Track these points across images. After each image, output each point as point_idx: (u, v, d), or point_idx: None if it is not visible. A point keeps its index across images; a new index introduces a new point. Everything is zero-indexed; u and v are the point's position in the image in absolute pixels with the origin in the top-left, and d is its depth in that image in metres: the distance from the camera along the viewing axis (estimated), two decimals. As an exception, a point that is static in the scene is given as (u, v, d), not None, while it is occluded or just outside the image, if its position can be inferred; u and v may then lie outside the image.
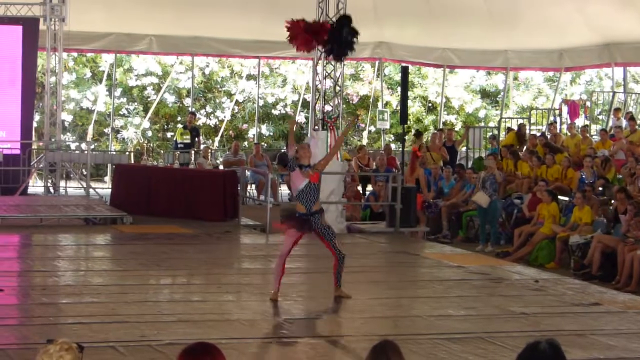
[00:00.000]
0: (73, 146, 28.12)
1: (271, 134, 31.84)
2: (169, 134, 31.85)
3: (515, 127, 25.97)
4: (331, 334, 10.61)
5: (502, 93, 31.97)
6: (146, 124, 31.50)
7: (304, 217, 11.55)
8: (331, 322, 11.42)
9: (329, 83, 19.54)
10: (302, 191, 11.56)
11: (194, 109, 29.59)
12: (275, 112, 32.21)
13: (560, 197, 18.95)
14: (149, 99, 31.74)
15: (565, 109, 27.36)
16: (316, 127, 19.48)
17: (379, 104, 30.76)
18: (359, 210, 21.43)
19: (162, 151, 30.76)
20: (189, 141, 25.11)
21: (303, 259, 15.58)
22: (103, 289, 12.52)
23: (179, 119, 31.55)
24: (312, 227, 11.58)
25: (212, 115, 32.13)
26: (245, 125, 32.19)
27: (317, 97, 20.21)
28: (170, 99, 31.83)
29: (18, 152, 24.02)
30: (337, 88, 19.52)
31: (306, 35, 11.28)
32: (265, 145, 30.52)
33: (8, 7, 23.98)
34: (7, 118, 24.18)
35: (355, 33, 12.80)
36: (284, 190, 25.47)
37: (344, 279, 12.09)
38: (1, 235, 17.36)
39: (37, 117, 26.83)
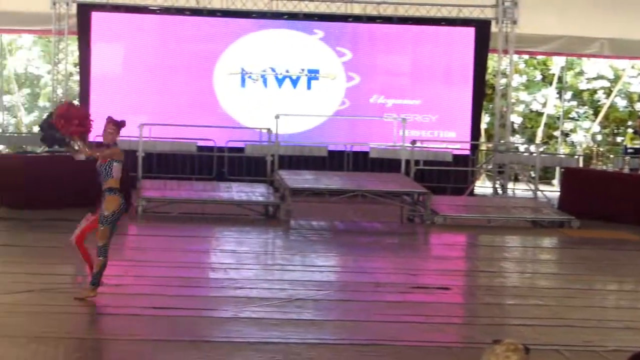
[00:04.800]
0: (522, 148, 28.16)
1: None
2: (618, 139, 31.05)
3: None
4: None
5: None
6: (596, 127, 30.91)
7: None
8: None
9: None
10: (97, 167, 10.32)
11: (645, 113, 28.62)
12: None
13: None
14: (599, 103, 31.12)
15: None
16: None
17: None
18: None
19: (611, 155, 30.03)
20: (639, 146, 24.30)
21: None
22: (548, 292, 12.34)
23: (629, 123, 30.66)
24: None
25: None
26: None
27: None
28: (621, 103, 31.00)
29: (467, 152, 24.46)
30: None
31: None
32: None
33: (461, 10, 24.46)
34: (457, 119, 24.69)
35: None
36: None
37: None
38: (449, 235, 17.71)
39: (486, 119, 27.16)
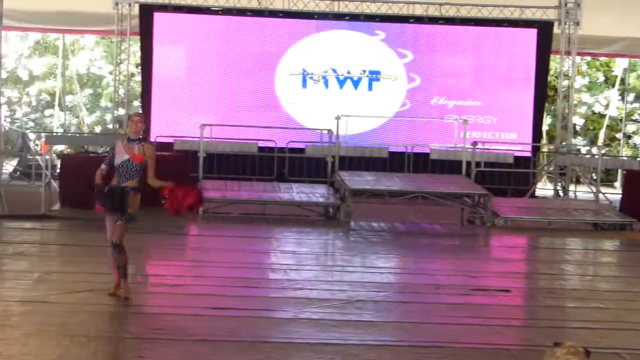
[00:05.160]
0: (583, 150, 27.92)
1: None
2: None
3: None
4: None
5: None
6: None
7: (110, 191, 10.30)
8: None
9: None
10: (119, 165, 10.28)
11: None
12: None
13: None
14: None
15: None
16: None
17: None
18: None
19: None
20: None
21: None
22: (609, 294, 12.21)
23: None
24: (114, 203, 10.24)
25: None
26: None
27: None
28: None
29: (529, 154, 24.31)
30: None
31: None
32: None
33: (523, 11, 24.32)
34: (519, 120, 24.55)
35: None
36: None
37: None
38: (509, 237, 17.62)
39: (548, 120, 26.97)
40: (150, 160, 10.28)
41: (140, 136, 10.42)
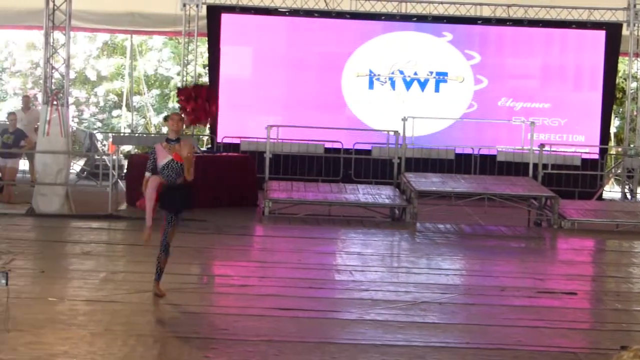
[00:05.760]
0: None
1: None
2: None
3: None
4: None
5: None
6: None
7: (169, 190, 10.31)
8: None
9: None
10: (164, 167, 10.23)
11: None
12: None
13: None
14: None
15: None
16: None
17: None
18: None
19: None
20: None
21: None
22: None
23: None
24: (176, 203, 10.32)
25: None
26: None
27: None
28: None
29: (596, 156, 24.09)
30: None
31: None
32: None
33: (591, 12, 24.10)
34: (587, 122, 24.35)
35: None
36: None
37: None
38: (576, 239, 17.46)
39: (616, 123, 26.68)
40: (188, 159, 10.31)
41: (180, 136, 10.51)
